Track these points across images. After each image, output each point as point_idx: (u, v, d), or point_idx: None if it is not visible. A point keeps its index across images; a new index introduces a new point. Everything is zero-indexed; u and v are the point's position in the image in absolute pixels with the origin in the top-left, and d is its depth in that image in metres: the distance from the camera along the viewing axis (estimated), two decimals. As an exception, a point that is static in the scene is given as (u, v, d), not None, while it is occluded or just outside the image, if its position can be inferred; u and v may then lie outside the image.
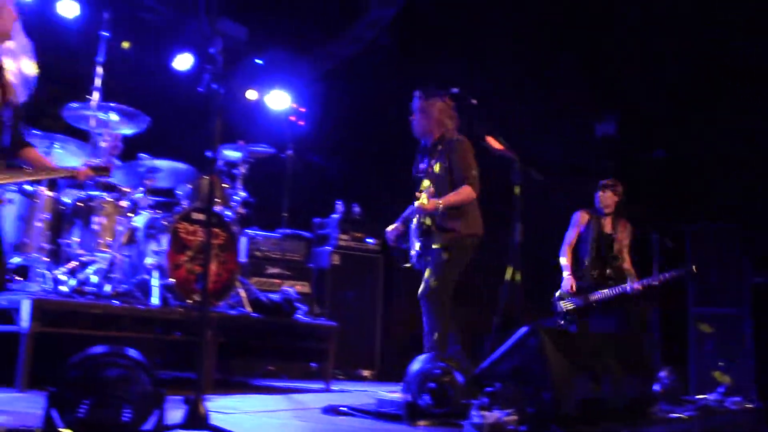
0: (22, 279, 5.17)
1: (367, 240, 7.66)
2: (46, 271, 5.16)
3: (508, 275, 4.50)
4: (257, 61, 8.87)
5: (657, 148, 8.65)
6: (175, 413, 2.62)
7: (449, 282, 4.61)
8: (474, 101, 4.69)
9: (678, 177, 8.28)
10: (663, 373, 5.32)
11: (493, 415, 3.15)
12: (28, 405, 3.53)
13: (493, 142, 4.64)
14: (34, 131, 5.37)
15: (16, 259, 5.29)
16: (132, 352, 2.30)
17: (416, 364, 3.83)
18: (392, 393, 4.70)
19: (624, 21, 7.97)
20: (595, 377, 3.71)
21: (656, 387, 5.05)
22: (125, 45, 7.60)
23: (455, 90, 4.76)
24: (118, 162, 5.53)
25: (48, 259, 5.28)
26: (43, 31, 6.67)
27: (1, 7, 3.37)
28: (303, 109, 8.84)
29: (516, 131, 5.88)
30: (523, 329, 3.62)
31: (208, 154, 3.34)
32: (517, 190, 4.58)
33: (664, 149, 8.59)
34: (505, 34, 8.22)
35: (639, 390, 4.22)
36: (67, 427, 2.12)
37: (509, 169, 4.72)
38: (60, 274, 5.20)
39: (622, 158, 8.44)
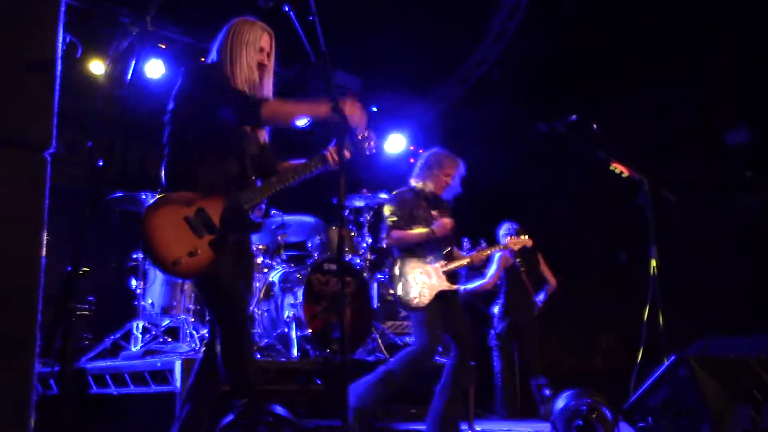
0: (172, 340, 5.47)
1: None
2: (193, 331, 5.43)
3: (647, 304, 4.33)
4: (373, 108, 9.07)
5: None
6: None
7: None
8: (595, 127, 4.59)
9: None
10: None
11: (648, 452, 3.01)
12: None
13: (619, 167, 4.52)
14: (144, 193, 5.68)
15: (165, 322, 5.61)
16: (278, 409, 2.37)
17: (561, 401, 3.74)
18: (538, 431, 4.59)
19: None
20: (756, 406, 3.48)
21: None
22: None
23: (574, 117, 4.68)
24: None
25: (194, 320, 5.56)
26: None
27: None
28: (421, 151, 8.93)
29: (642, 151, 5.71)
30: (671, 358, 3.45)
31: (336, 205, 3.43)
32: (648, 212, 4.43)
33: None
34: (613, 59, 8.04)
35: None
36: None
37: (638, 192, 4.57)
38: (206, 333, 5.45)
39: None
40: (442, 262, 4.80)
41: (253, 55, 3.48)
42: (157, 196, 3.28)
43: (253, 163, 3.48)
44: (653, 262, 4.37)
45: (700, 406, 3.26)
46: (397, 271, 4.76)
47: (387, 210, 4.92)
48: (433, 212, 4.94)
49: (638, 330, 4.40)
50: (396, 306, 6.90)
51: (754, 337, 7.06)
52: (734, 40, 7.67)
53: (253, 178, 3.47)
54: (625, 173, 4.53)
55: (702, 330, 7.36)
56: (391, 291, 4.87)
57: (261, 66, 3.53)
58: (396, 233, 4.81)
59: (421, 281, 4.68)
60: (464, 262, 4.90)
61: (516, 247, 5.20)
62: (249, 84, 3.45)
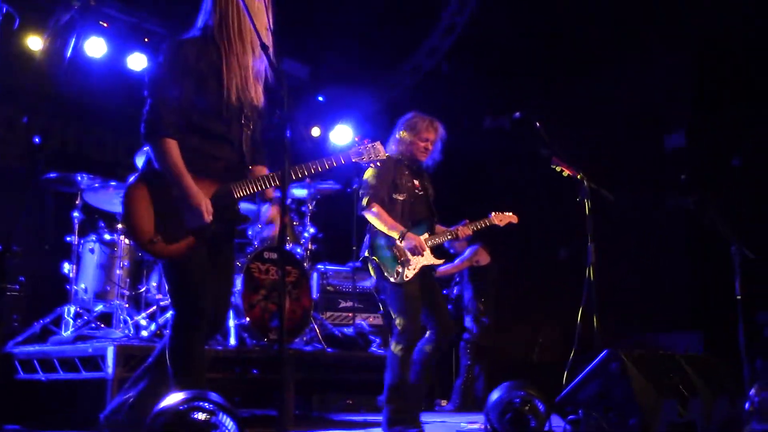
0: (105, 326, 5.35)
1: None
2: (127, 317, 5.32)
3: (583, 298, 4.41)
4: (320, 98, 9.01)
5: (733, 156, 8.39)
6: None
7: None
8: (538, 124, 4.65)
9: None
10: (752, 391, 5.10)
11: (578, 444, 3.07)
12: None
13: (560, 165, 4.60)
14: (111, 183, 5.57)
15: (98, 307, 5.48)
16: (214, 396, 2.34)
17: (495, 393, 3.79)
18: (472, 423, 4.64)
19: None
20: (682, 400, 3.58)
21: (746, 406, 4.84)
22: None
23: (518, 114, 4.73)
24: None
25: (128, 305, 5.45)
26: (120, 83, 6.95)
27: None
28: (367, 142, 8.92)
29: (583, 150, 5.83)
30: (603, 353, 3.53)
31: (278, 194, 3.39)
32: (587, 209, 4.51)
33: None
34: (561, 56, 8.18)
35: (729, 411, 4.05)
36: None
37: (578, 190, 4.65)
38: (140, 319, 5.35)
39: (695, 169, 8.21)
40: (426, 236, 4.65)
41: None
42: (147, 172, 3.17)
43: (246, 151, 3.36)
44: (590, 259, 4.45)
45: (629, 400, 3.34)
46: (381, 240, 4.59)
47: (369, 178, 4.68)
48: (415, 181, 4.78)
49: (576, 325, 4.49)
50: (336, 297, 6.91)
51: (683, 334, 7.30)
52: (679, 44, 7.88)
53: (249, 168, 3.37)
54: (566, 171, 4.60)
55: (636, 327, 7.58)
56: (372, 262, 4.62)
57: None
58: (377, 209, 4.58)
59: (408, 255, 4.53)
60: (449, 236, 4.75)
61: (502, 223, 4.95)
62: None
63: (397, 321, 4.49)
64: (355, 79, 8.94)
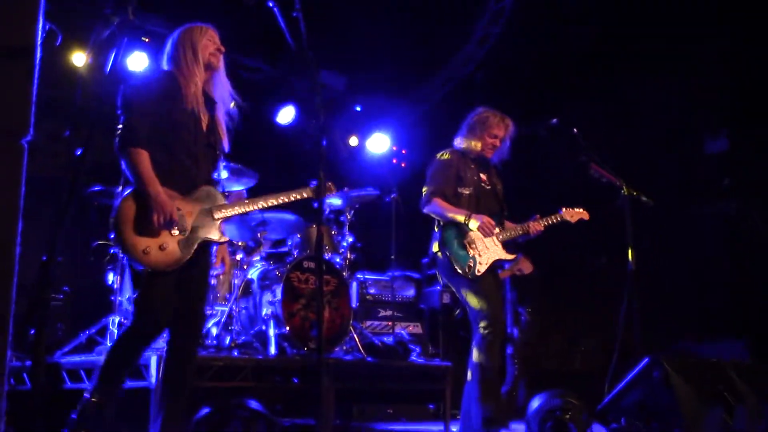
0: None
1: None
2: (170, 327, 5.39)
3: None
4: (357, 108, 9.07)
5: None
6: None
7: None
8: (575, 130, 4.62)
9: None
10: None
11: (620, 453, 3.03)
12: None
13: (598, 170, 4.55)
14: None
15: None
16: (253, 404, 2.36)
17: (535, 401, 3.76)
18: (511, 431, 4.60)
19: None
20: (727, 408, 3.52)
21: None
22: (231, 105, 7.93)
23: (554, 121, 4.71)
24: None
25: (171, 315, 5.52)
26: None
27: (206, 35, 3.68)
28: (404, 151, 8.96)
29: (621, 155, 5.76)
30: (645, 360, 3.49)
31: (315, 203, 3.46)
32: (626, 215, 4.47)
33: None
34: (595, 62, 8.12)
35: (777, 419, 3.95)
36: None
37: (617, 196, 4.61)
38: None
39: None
40: (498, 229, 4.59)
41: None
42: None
43: (206, 164, 3.63)
44: (630, 266, 4.41)
45: (673, 409, 3.29)
46: (451, 233, 4.51)
47: (432, 172, 4.65)
48: (482, 175, 4.71)
49: (616, 333, 4.44)
50: (375, 306, 6.92)
51: (727, 342, 7.15)
52: (720, 47, 7.76)
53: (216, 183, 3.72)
54: (605, 177, 4.56)
55: (678, 335, 7.45)
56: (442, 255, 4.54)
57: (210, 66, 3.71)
58: (437, 201, 4.52)
59: (480, 248, 4.47)
60: (520, 231, 4.66)
61: (573, 219, 4.82)
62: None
63: (479, 318, 4.38)
64: (391, 88, 8.99)
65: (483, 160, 4.74)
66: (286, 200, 3.94)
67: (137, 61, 7.11)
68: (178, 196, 3.44)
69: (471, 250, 4.45)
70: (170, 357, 3.47)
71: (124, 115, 3.43)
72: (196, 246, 3.43)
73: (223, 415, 2.25)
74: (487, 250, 4.48)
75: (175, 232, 3.34)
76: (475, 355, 4.39)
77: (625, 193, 4.48)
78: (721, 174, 7.70)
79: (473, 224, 4.44)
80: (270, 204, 3.86)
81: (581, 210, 4.86)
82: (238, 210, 3.65)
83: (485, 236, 4.47)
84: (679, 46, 7.74)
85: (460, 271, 4.43)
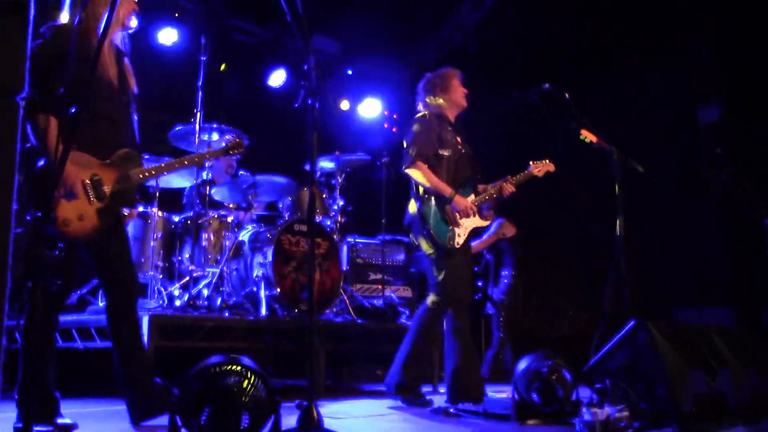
0: (140, 296, 5.46)
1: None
2: (161, 288, 5.43)
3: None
4: (348, 72, 9.03)
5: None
6: (288, 419, 2.71)
7: None
8: (567, 96, 4.62)
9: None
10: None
11: (605, 412, 3.09)
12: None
13: (589, 136, 4.57)
14: (144, 156, 5.66)
15: (133, 278, 5.60)
16: (247, 361, 2.40)
17: (522, 363, 3.81)
18: (500, 393, 4.69)
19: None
20: (710, 371, 3.58)
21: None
22: (223, 67, 7.90)
23: (546, 86, 4.70)
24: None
25: (162, 276, 5.56)
26: (146, 58, 7.02)
27: None
28: (395, 116, 8.94)
29: (614, 123, 5.77)
30: (630, 324, 3.54)
31: (307, 166, 3.46)
32: (616, 183, 4.49)
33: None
34: (589, 31, 8.09)
35: (760, 384, 4.03)
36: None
37: (608, 162, 4.62)
38: (174, 289, 5.46)
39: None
40: (473, 197, 4.60)
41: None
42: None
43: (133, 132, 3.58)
44: (619, 233, 4.43)
45: (657, 371, 3.35)
46: (431, 206, 4.51)
47: (415, 132, 4.60)
48: (458, 138, 4.69)
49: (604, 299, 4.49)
50: (365, 269, 6.97)
51: (714, 309, 7.24)
52: (714, 18, 7.73)
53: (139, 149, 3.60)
54: (595, 142, 4.57)
55: (666, 301, 7.54)
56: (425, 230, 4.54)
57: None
58: (421, 166, 4.49)
59: (460, 219, 4.48)
60: (493, 193, 4.68)
61: (540, 173, 4.89)
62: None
63: (434, 290, 4.50)
64: (384, 53, 8.94)
65: (456, 122, 4.78)
66: (204, 158, 4.07)
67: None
68: (96, 161, 3.33)
69: (450, 223, 4.49)
70: (109, 321, 3.49)
71: (33, 77, 3.28)
72: (115, 212, 3.39)
73: (217, 370, 2.28)
74: (465, 219, 4.53)
75: (93, 200, 3.27)
76: (418, 319, 4.55)
77: (616, 159, 4.49)
78: (713, 143, 7.72)
79: (455, 207, 4.49)
80: (188, 163, 3.84)
81: (547, 162, 4.96)
82: (155, 173, 3.61)
83: (463, 218, 4.50)
84: (675, 14, 7.72)
85: (438, 243, 4.47)
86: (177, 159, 3.85)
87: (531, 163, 4.92)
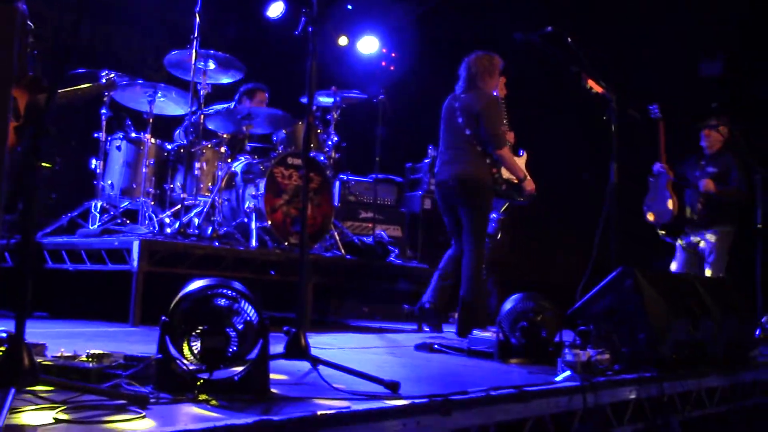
0: (130, 222, 5.47)
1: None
2: (152, 215, 5.43)
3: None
4: (348, 6, 8.87)
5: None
6: (275, 347, 2.74)
7: None
8: (569, 40, 4.56)
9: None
10: (765, 318, 5.16)
11: (586, 354, 3.14)
12: (140, 338, 3.77)
13: (592, 84, 4.52)
14: (138, 81, 5.59)
15: (124, 203, 5.60)
16: (238, 285, 2.41)
17: (508, 304, 3.85)
18: (485, 333, 4.75)
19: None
20: (692, 319, 3.64)
21: (757, 332, 4.91)
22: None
23: (549, 29, 4.64)
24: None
25: (154, 203, 5.55)
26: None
27: None
28: (393, 54, 8.83)
29: (614, 70, 5.72)
30: (617, 270, 3.57)
31: (304, 99, 3.42)
32: (613, 129, 4.47)
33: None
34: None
35: (739, 334, 4.11)
36: (179, 352, 2.27)
37: (606, 109, 4.59)
38: (165, 216, 5.46)
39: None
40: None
41: None
42: None
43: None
44: (612, 180, 4.43)
45: (640, 316, 3.40)
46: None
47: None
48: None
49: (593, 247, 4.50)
50: (357, 207, 6.97)
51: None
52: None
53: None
54: (595, 89, 4.54)
55: (656, 252, 7.59)
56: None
57: None
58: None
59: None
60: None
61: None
62: None
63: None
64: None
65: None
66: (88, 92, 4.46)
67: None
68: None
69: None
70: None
71: None
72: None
73: (208, 293, 2.30)
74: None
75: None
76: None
77: (614, 106, 4.46)
78: (713, 97, 7.68)
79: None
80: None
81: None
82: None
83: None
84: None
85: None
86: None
87: None
